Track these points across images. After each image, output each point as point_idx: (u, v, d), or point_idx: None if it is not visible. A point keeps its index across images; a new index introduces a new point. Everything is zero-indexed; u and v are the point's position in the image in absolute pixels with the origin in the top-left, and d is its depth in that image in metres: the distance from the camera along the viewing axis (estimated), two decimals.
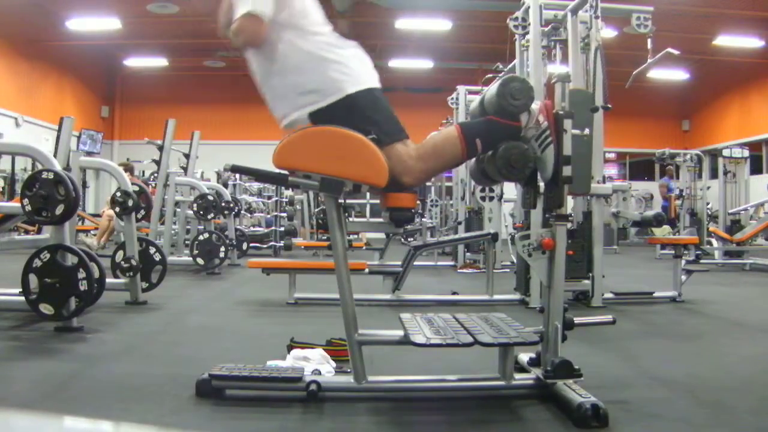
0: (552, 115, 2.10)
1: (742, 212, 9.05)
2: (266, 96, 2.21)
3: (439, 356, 2.64)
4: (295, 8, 2.14)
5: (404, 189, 2.18)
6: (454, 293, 4.70)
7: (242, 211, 9.68)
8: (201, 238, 6.44)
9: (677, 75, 15.47)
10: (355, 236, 7.72)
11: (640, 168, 17.96)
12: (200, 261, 6.36)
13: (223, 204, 6.98)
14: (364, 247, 7.81)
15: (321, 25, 2.18)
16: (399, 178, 2.09)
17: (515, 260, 5.80)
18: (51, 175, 3.10)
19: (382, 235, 6.63)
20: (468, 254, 7.65)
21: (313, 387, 2.07)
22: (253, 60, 2.21)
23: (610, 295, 4.60)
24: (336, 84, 2.08)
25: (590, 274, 4.35)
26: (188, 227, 7.84)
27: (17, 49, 12.71)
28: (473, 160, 2.34)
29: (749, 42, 12.82)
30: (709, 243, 8.84)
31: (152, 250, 4.53)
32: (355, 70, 2.12)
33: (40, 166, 3.22)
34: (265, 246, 9.15)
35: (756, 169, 13.98)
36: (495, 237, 4.77)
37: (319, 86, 2.08)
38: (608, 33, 8.68)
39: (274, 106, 2.18)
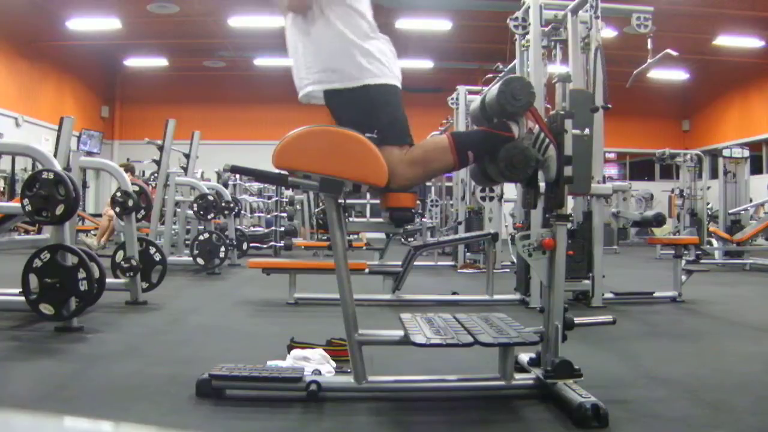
0: (539, 117, 2.10)
1: (742, 212, 9.05)
2: (291, 57, 2.23)
3: (439, 356, 2.64)
4: None
5: (393, 191, 2.19)
6: (454, 293, 4.70)
7: (242, 211, 9.68)
8: (201, 238, 6.44)
9: (677, 75, 15.48)
10: (355, 236, 7.71)
11: (640, 168, 17.97)
12: (200, 261, 6.36)
13: (223, 204, 6.99)
14: (364, 247, 7.80)
15: (365, 9, 2.18)
16: (389, 179, 2.08)
17: (515, 260, 5.80)
18: (51, 175, 3.10)
19: (382, 235, 6.62)
20: (468, 254, 7.65)
21: (313, 387, 2.07)
22: (291, 22, 2.22)
23: (611, 295, 4.60)
24: (358, 71, 2.09)
25: (590, 274, 4.35)
26: (188, 227, 7.84)
27: (17, 49, 12.71)
28: None
29: (749, 42, 12.83)
30: (709, 243, 8.85)
31: (152, 250, 4.53)
32: (381, 64, 2.13)
33: (40, 166, 3.22)
34: (265, 246, 9.15)
35: (756, 169, 13.97)
36: (495, 237, 4.77)
37: (342, 67, 2.10)
38: (608, 33, 8.68)
39: (297, 72, 2.21)
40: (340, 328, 2.17)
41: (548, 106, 3.92)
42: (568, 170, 2.05)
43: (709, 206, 10.05)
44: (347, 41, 2.10)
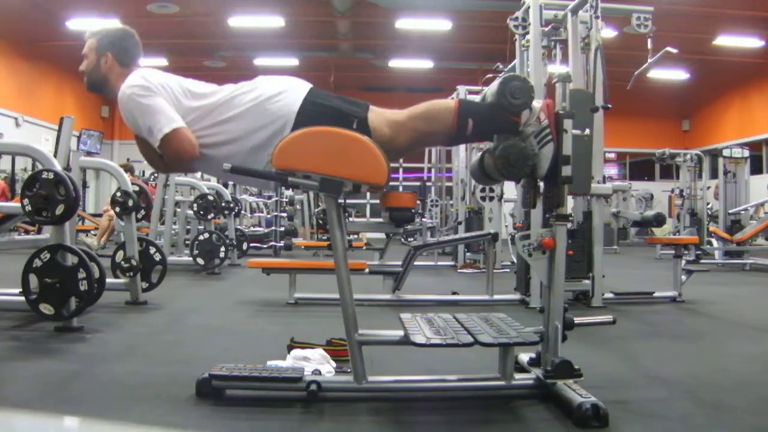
0: (553, 114, 2.10)
1: (742, 212, 9.06)
2: (238, 181, 2.22)
3: (439, 356, 2.64)
4: (185, 96, 2.15)
5: (400, 153, 2.19)
6: (454, 293, 4.70)
7: (242, 211, 9.67)
8: (201, 238, 6.44)
9: (677, 75, 15.46)
10: (355, 236, 7.71)
11: (640, 168, 17.97)
12: (200, 261, 6.36)
13: (223, 204, 6.99)
14: (364, 247, 7.81)
15: (220, 91, 2.18)
16: (393, 140, 2.10)
17: (515, 260, 5.80)
18: (51, 175, 3.10)
19: (382, 235, 6.62)
20: (468, 254, 7.65)
21: (313, 387, 2.07)
22: (201, 165, 2.22)
23: (611, 295, 4.60)
24: (281, 114, 2.09)
25: (590, 274, 4.35)
26: (188, 227, 7.84)
27: (17, 49, 12.72)
28: (474, 159, 2.33)
29: (749, 42, 12.82)
30: (709, 243, 8.85)
31: (152, 250, 4.53)
32: (283, 91, 2.13)
33: (40, 166, 3.22)
34: (265, 246, 9.15)
35: (756, 169, 13.98)
36: (495, 237, 4.77)
37: (272, 129, 2.08)
38: (608, 33, 8.68)
39: (252, 180, 2.18)
40: (340, 328, 2.17)
41: None
42: (567, 170, 2.05)
43: (709, 206, 10.06)
44: (248, 115, 2.10)
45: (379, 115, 2.14)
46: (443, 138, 2.25)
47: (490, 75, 6.26)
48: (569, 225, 2.61)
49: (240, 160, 2.09)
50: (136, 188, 4.67)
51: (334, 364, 2.36)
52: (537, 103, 2.10)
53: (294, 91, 2.13)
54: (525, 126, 2.09)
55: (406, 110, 2.15)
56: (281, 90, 2.14)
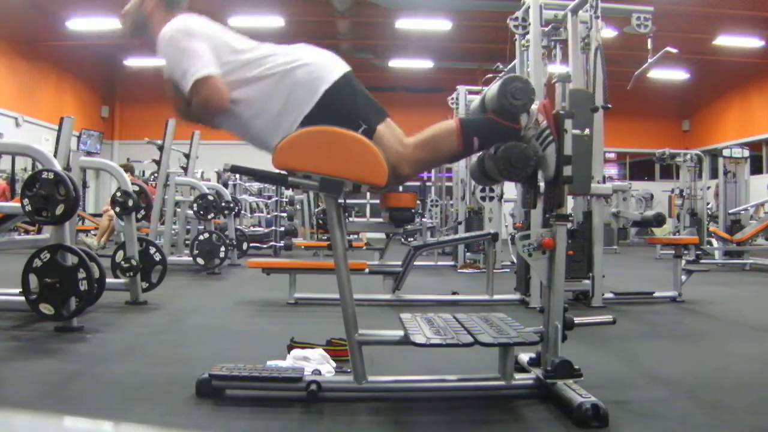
0: (551, 114, 2.10)
1: (742, 212, 9.06)
2: (255, 144, 2.18)
3: (440, 356, 2.64)
4: (223, 49, 2.12)
5: (401, 180, 2.17)
6: (454, 293, 4.70)
7: (242, 211, 9.67)
8: (201, 238, 6.44)
9: (677, 75, 15.48)
10: (355, 236, 7.71)
11: (640, 168, 17.97)
12: (200, 261, 6.36)
13: (223, 204, 6.99)
14: (364, 247, 7.80)
15: (260, 48, 2.16)
16: (395, 168, 2.08)
17: (515, 260, 5.80)
18: (51, 175, 3.10)
19: (382, 235, 6.62)
20: (468, 254, 7.65)
21: (313, 387, 2.07)
22: (225, 121, 2.17)
23: (610, 295, 4.60)
24: (310, 87, 2.06)
25: (590, 274, 4.35)
26: (188, 227, 7.84)
27: (17, 49, 12.72)
28: (474, 159, 2.33)
29: (749, 42, 12.83)
30: (709, 243, 8.85)
31: (152, 250, 4.53)
32: (319, 66, 2.10)
33: (40, 166, 3.22)
34: (265, 246, 9.15)
35: (756, 169, 13.99)
36: (495, 237, 4.77)
37: (297, 99, 2.06)
38: (608, 33, 8.67)
39: (267, 145, 2.12)
40: (340, 328, 2.17)
41: None
42: (567, 170, 2.05)
43: (709, 206, 10.06)
44: (279, 78, 2.07)
45: (391, 132, 2.11)
46: (450, 159, 2.26)
47: (490, 75, 6.27)
48: (569, 225, 2.61)
49: (264, 122, 2.08)
50: (136, 188, 4.67)
51: (334, 364, 2.36)
52: (534, 106, 2.10)
53: (329, 70, 2.10)
54: (525, 130, 2.09)
55: (411, 141, 2.11)
56: (317, 63, 2.11)
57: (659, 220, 5.19)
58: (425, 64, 15.01)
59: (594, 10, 4.15)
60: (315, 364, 2.31)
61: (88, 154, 13.70)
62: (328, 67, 2.11)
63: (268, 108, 2.09)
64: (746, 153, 9.56)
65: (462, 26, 12.86)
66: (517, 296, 4.62)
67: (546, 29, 4.52)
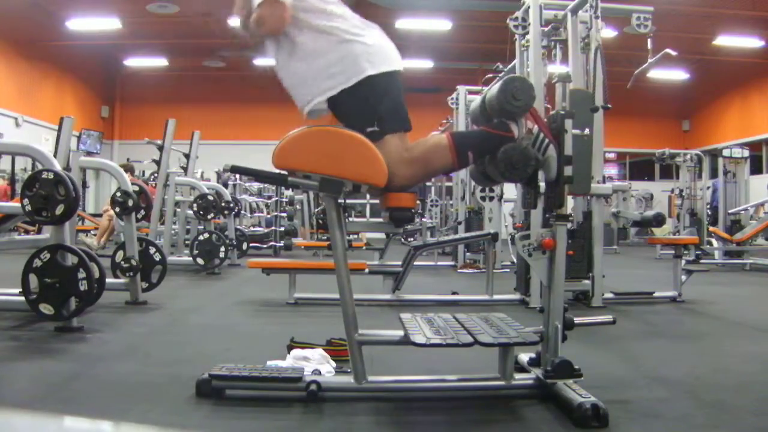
0: (538, 117, 2.10)
1: (742, 212, 9.06)
2: (286, 82, 2.21)
3: (440, 356, 2.64)
4: None
5: (392, 191, 2.18)
6: (454, 293, 4.70)
7: (242, 211, 9.67)
8: (201, 238, 6.44)
9: (677, 75, 15.47)
10: (355, 236, 7.71)
11: (640, 168, 17.96)
12: (200, 261, 6.36)
13: (223, 204, 6.99)
14: (364, 247, 7.80)
15: (339, 7, 2.18)
16: (390, 179, 2.08)
17: (515, 260, 5.80)
18: (51, 175, 3.10)
19: (382, 235, 6.63)
20: (468, 254, 7.65)
21: (313, 387, 2.07)
22: (273, 47, 2.20)
23: (610, 295, 4.60)
24: (358, 65, 2.09)
25: (590, 274, 4.35)
26: (188, 227, 7.84)
27: (17, 49, 12.71)
28: None
29: (749, 42, 12.82)
30: (709, 243, 8.85)
31: (152, 250, 4.53)
32: (376, 51, 2.13)
33: (40, 166, 3.22)
34: (265, 246, 9.15)
35: (756, 169, 13.98)
36: (495, 237, 4.77)
37: (342, 68, 2.09)
38: (608, 33, 8.68)
39: (295, 92, 2.18)
40: (340, 328, 2.17)
41: (548, 106, 3.91)
42: (568, 170, 2.05)
43: (709, 206, 10.06)
44: (338, 42, 2.10)
45: (400, 145, 2.11)
46: (445, 173, 2.28)
47: (490, 75, 6.26)
48: (569, 225, 2.61)
49: (303, 70, 2.12)
50: (136, 188, 4.67)
51: (334, 364, 2.36)
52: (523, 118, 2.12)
53: (382, 59, 2.13)
54: (520, 141, 2.10)
55: (406, 156, 2.12)
56: (377, 48, 2.14)
57: (659, 220, 5.19)
58: (425, 64, 15.00)
59: (594, 10, 4.15)
60: (315, 364, 2.31)
61: (88, 154, 13.69)
62: (382, 56, 2.14)
63: (315, 61, 2.12)
64: (746, 153, 9.56)
65: (462, 26, 12.86)
66: (517, 296, 4.62)
67: (546, 29, 4.52)
